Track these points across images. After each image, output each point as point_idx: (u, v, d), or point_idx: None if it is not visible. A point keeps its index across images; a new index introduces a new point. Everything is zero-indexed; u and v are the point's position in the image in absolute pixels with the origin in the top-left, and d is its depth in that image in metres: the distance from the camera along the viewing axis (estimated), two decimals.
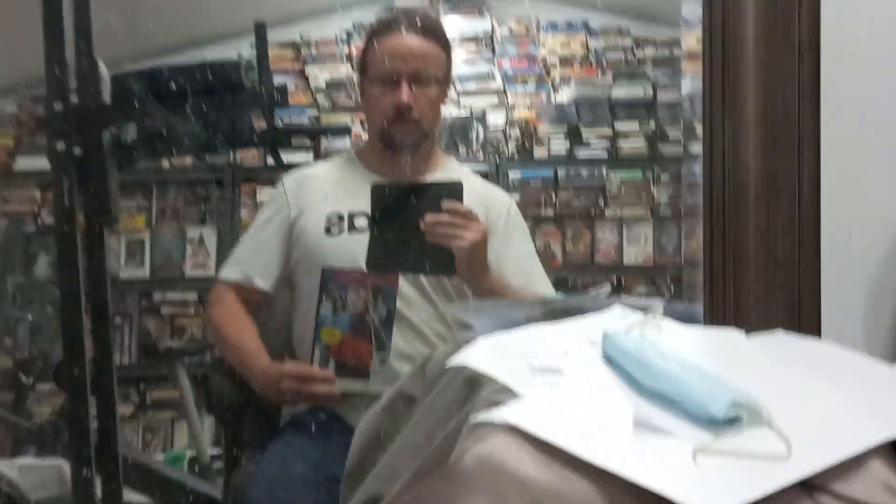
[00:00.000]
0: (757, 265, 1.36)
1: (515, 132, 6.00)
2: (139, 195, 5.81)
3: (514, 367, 1.12)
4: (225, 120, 2.94)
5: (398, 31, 2.52)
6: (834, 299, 1.46)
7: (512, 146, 5.98)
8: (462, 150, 5.93)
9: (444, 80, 2.60)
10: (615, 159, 5.88)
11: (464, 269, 2.28)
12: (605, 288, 2.22)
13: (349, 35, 6.17)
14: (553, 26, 6.20)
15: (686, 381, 1.05)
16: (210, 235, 5.75)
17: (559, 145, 5.95)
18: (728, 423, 1.02)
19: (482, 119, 5.99)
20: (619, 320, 1.25)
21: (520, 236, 2.69)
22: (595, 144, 5.91)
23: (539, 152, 5.96)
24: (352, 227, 2.52)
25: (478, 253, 2.27)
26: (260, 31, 4.05)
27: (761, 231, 1.35)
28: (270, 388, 2.40)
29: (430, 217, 2.21)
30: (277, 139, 2.99)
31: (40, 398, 5.00)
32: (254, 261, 2.62)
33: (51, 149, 2.70)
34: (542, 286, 2.65)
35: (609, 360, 1.15)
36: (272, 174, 4.99)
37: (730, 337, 1.24)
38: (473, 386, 1.15)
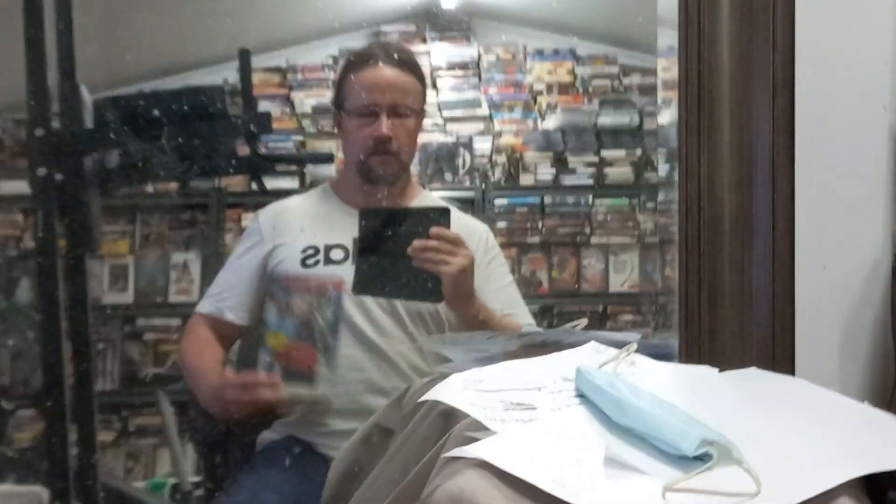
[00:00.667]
0: (732, 299, 1.36)
1: (502, 159, 6.00)
2: (123, 220, 5.79)
3: (488, 403, 1.12)
4: (208, 146, 2.94)
5: (375, 63, 2.53)
6: (808, 333, 1.46)
7: (498, 173, 5.99)
8: (448, 176, 5.93)
9: (421, 111, 2.61)
10: (601, 187, 5.90)
11: (450, 295, 2.27)
12: (582, 322, 2.22)
13: (335, 60, 6.17)
14: (540, 54, 6.22)
15: (657, 418, 1.05)
16: (194, 261, 5.74)
17: (545, 172, 5.96)
18: (698, 460, 1.02)
19: (468, 145, 5.99)
20: (593, 356, 1.25)
21: (498, 265, 2.69)
22: (581, 171, 5.93)
23: (525, 179, 5.96)
24: (328, 261, 2.51)
25: (465, 279, 2.26)
26: (244, 58, 4.06)
27: (736, 265, 1.36)
28: (215, 400, 2.39)
29: (417, 243, 2.20)
30: (261, 166, 2.99)
31: (21, 424, 4.99)
32: (228, 295, 2.60)
33: (32, 175, 2.70)
34: (522, 315, 2.65)
35: (582, 396, 1.14)
36: (257, 199, 5.00)
37: (703, 374, 1.24)
38: (448, 421, 1.15)
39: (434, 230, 2.21)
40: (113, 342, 5.68)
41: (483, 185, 5.90)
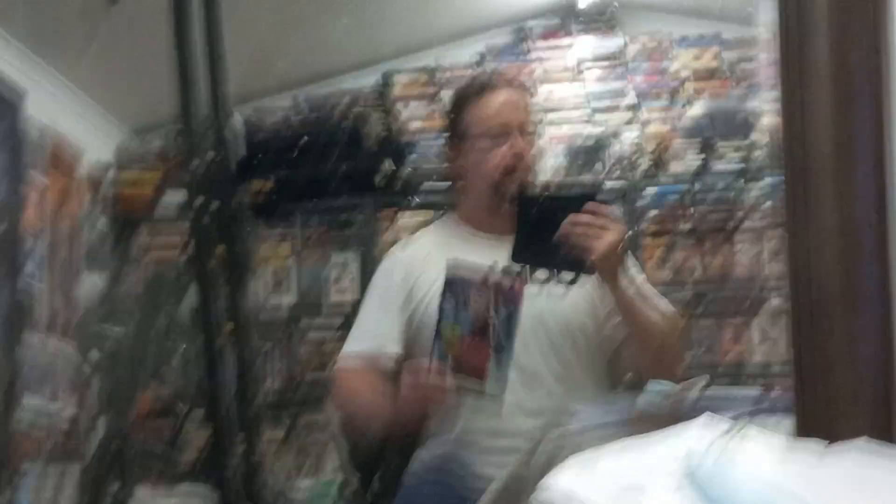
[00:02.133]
0: (843, 368, 1.41)
1: (650, 147, 6.00)
2: (283, 223, 5.97)
3: (602, 486, 1.20)
4: (354, 169, 3.06)
5: (495, 88, 2.64)
6: None
7: (647, 162, 5.99)
8: (599, 166, 5.96)
9: (536, 130, 2.76)
10: (751, 171, 5.85)
11: (603, 267, 2.37)
12: (702, 381, 2.29)
13: (482, 57, 6.25)
14: (685, 40, 6.20)
15: (763, 501, 1.12)
16: (354, 260, 5.89)
17: (694, 159, 5.94)
18: None
19: (616, 136, 6.01)
20: (705, 431, 1.32)
21: (632, 263, 2.75)
22: (731, 156, 5.89)
23: (674, 167, 5.95)
24: None
25: (616, 251, 2.37)
26: (387, 81, 4.18)
27: (847, 335, 1.41)
28: (404, 402, 2.42)
29: (572, 217, 2.30)
30: (406, 185, 3.11)
31: (197, 425, 5.22)
32: (380, 329, 2.67)
33: (189, 204, 2.85)
34: (664, 303, 2.72)
35: (691, 479, 1.21)
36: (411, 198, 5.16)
37: (811, 449, 1.30)
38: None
39: (588, 205, 2.31)
40: (279, 342, 5.86)
41: (632, 175, 5.92)
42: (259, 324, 5.72)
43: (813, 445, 1.30)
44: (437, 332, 2.35)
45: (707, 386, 1.77)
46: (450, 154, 2.74)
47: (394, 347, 2.64)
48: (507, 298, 2.32)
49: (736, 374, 5.57)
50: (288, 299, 5.90)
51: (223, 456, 2.80)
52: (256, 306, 5.65)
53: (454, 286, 2.34)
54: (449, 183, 2.90)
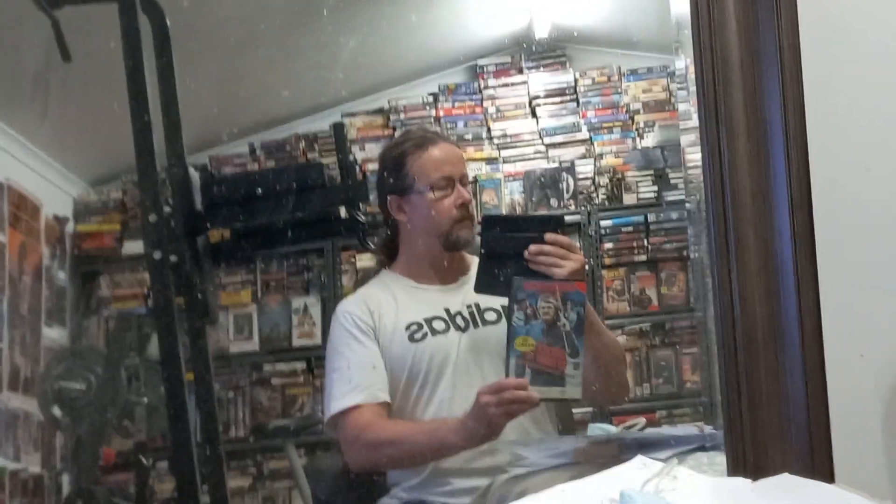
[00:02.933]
0: (769, 404, 1.47)
1: (604, 180, 6.08)
2: (243, 270, 6.01)
3: None
4: (312, 215, 3.10)
5: (435, 143, 2.71)
6: (845, 433, 1.57)
7: (602, 194, 6.07)
8: (553, 201, 6.03)
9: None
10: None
11: None
12: (641, 422, 2.35)
13: (435, 98, 6.33)
14: (634, 73, 6.30)
15: None
16: (314, 304, 5.93)
17: (648, 190, 6.03)
18: None
19: (571, 170, 6.09)
20: (640, 471, 1.37)
21: None
22: (683, 187, 5.97)
23: (628, 198, 6.03)
24: (433, 331, 2.66)
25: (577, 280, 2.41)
26: (338, 132, 4.24)
27: (772, 371, 1.47)
28: (479, 424, 2.37)
29: (533, 247, 2.36)
30: (363, 229, 3.15)
31: (161, 476, 5.23)
32: (367, 380, 2.65)
33: (148, 258, 2.88)
34: (612, 334, 2.78)
35: None
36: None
37: (738, 487, 1.35)
38: None
39: (549, 236, 2.37)
40: (242, 389, 5.88)
41: (588, 208, 5.99)
42: (222, 371, 5.75)
43: (739, 482, 1.36)
44: (511, 348, 2.34)
45: (644, 427, 1.83)
46: (390, 208, 2.77)
47: (385, 396, 2.64)
48: (574, 301, 2.35)
49: (695, 406, 5.62)
50: (250, 346, 5.92)
51: None
52: (219, 354, 5.69)
53: (521, 299, 2.35)
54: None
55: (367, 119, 6.30)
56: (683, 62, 1.97)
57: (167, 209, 2.89)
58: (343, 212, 3.11)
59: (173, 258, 2.85)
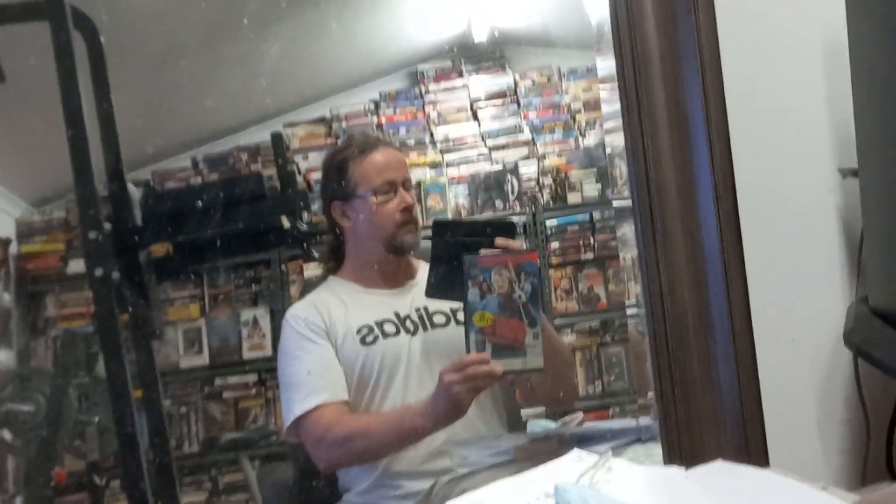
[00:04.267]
0: (703, 392, 1.49)
1: (548, 180, 6.11)
2: (191, 284, 5.98)
3: None
4: (254, 226, 3.10)
5: (376, 148, 2.72)
6: (778, 418, 1.60)
7: (546, 194, 6.10)
8: (499, 203, 6.06)
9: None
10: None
11: None
12: (578, 416, 2.38)
13: (377, 104, 6.34)
14: (574, 73, 6.34)
15: None
16: (263, 316, 5.92)
17: (592, 188, 6.07)
18: None
19: (515, 171, 6.12)
20: (575, 465, 1.38)
21: None
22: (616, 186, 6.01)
23: (573, 198, 6.07)
24: (384, 334, 2.67)
25: None
26: (277, 143, 4.24)
27: (703, 360, 1.49)
28: (445, 404, 2.38)
29: (484, 252, 2.36)
30: (306, 238, 3.14)
31: (116, 495, 5.19)
32: (326, 381, 2.65)
33: (90, 276, 2.86)
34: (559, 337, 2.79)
35: None
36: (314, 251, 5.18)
37: (671, 475, 1.37)
38: None
39: (499, 240, 2.37)
40: (194, 404, 5.86)
41: (533, 208, 6.02)
42: (173, 386, 5.73)
43: (673, 471, 1.37)
44: (470, 324, 2.33)
45: (583, 422, 1.85)
46: (334, 214, 2.79)
47: (345, 394, 2.64)
48: (528, 272, 2.34)
49: (645, 402, 5.65)
50: (201, 360, 5.90)
51: None
52: (168, 369, 5.66)
53: (475, 275, 2.35)
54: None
55: (309, 128, 6.30)
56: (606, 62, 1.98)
57: (107, 226, 2.87)
58: (286, 222, 3.10)
59: (115, 275, 2.83)
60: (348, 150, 2.78)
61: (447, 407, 2.36)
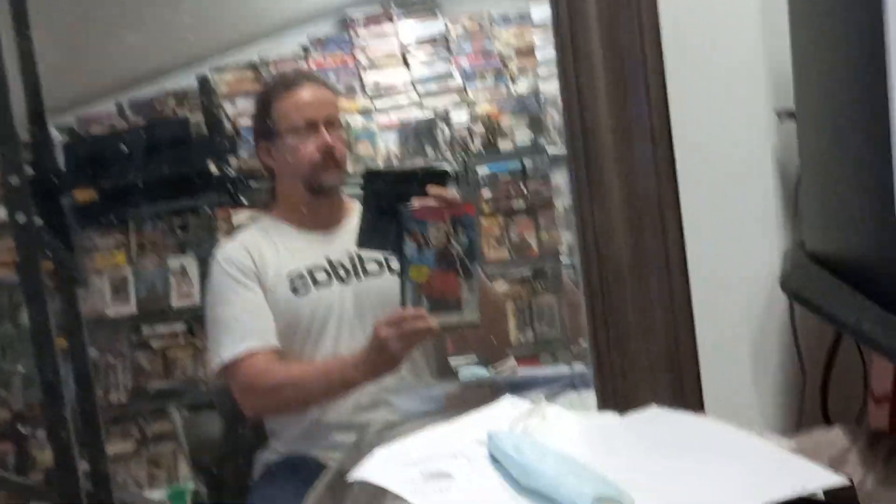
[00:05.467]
0: (637, 338, 1.47)
1: (479, 128, 6.07)
2: (116, 232, 5.88)
3: (408, 476, 1.23)
4: (181, 172, 3.04)
5: (300, 85, 2.66)
6: (713, 364, 1.59)
7: (478, 142, 6.06)
8: (429, 150, 6.01)
9: (343, 123, 2.77)
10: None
11: None
12: (511, 363, 2.38)
13: (306, 51, 6.25)
14: (505, 19, 6.29)
15: (557, 479, 1.16)
16: (191, 264, 5.83)
17: (524, 136, 6.03)
18: None
19: (446, 118, 6.07)
20: (509, 412, 1.36)
21: None
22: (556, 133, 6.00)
23: (504, 145, 6.03)
24: (316, 283, 2.63)
25: None
26: (204, 87, 4.15)
27: (638, 305, 1.47)
28: (379, 357, 2.35)
29: (417, 201, 2.32)
30: (233, 183, 3.09)
31: (42, 445, 5.12)
32: (256, 325, 2.61)
33: (12, 221, 2.80)
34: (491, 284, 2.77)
35: (493, 459, 1.26)
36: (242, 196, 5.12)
37: (606, 421, 1.35)
38: (377, 497, 1.26)
39: (432, 189, 2.33)
40: (122, 353, 5.78)
41: (464, 156, 5.98)
42: (100, 335, 5.65)
43: (607, 417, 1.36)
44: (406, 278, 2.30)
45: (515, 369, 1.82)
46: (262, 153, 2.74)
47: (275, 341, 2.60)
48: (465, 224, 2.30)
49: (578, 350, 5.68)
50: (128, 309, 5.81)
51: (69, 474, 2.77)
52: (95, 318, 5.58)
53: (411, 229, 2.31)
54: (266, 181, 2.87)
55: (238, 73, 6.18)
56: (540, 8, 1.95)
57: (29, 171, 2.81)
58: (213, 167, 3.05)
59: (38, 221, 2.77)
60: (273, 85, 2.73)
61: (381, 360, 2.34)
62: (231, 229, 5.75)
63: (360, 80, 6.19)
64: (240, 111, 5.95)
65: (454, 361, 2.74)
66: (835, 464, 1.34)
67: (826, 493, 1.18)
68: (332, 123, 2.66)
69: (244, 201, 3.14)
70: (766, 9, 1.70)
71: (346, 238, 2.65)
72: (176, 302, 5.81)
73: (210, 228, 5.82)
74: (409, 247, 2.30)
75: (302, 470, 2.49)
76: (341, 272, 2.65)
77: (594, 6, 1.49)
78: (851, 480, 1.25)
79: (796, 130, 1.69)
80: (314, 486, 1.74)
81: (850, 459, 1.36)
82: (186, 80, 6.07)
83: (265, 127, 2.69)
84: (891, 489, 1.26)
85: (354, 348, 2.41)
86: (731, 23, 1.69)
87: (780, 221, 1.72)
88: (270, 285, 2.61)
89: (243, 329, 2.58)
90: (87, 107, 5.95)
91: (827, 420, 1.77)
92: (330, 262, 2.66)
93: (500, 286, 5.83)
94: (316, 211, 2.69)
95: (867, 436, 1.40)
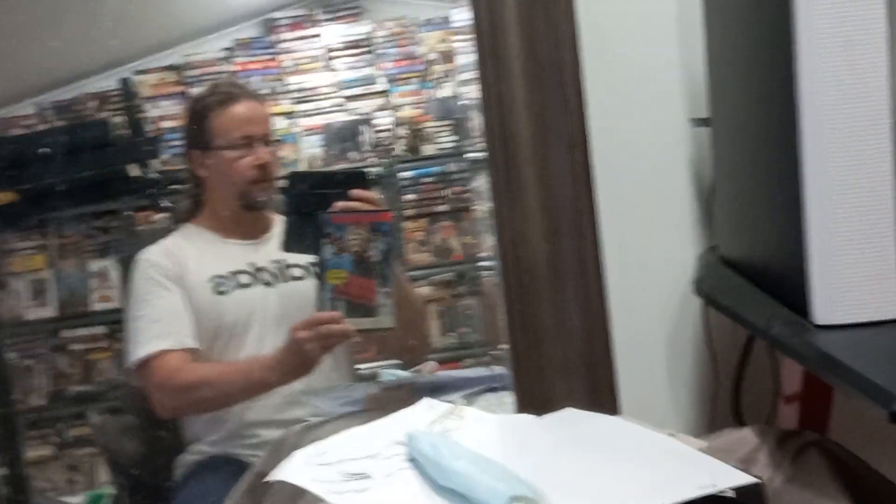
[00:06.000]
0: (553, 340, 1.50)
1: (403, 131, 6.09)
2: (36, 234, 5.81)
3: (327, 477, 1.25)
4: (102, 174, 3.02)
5: (238, 99, 2.67)
6: (629, 366, 1.62)
7: (401, 146, 6.07)
8: (353, 154, 6.02)
9: (276, 139, 2.78)
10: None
11: None
12: (430, 365, 2.42)
13: (230, 52, 6.23)
14: (429, 23, 6.31)
15: (472, 479, 1.18)
16: (112, 267, 5.78)
17: (447, 140, 6.06)
18: None
19: (369, 122, 6.08)
20: (426, 413, 1.38)
21: None
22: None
23: (428, 149, 6.05)
24: (240, 285, 2.64)
25: None
26: (125, 89, 4.13)
27: (555, 308, 1.50)
28: (294, 360, 2.37)
29: (339, 204, 2.33)
30: (155, 186, 3.08)
31: None
32: (172, 327, 2.62)
33: None
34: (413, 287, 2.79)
35: (412, 460, 1.28)
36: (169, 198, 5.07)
37: (522, 422, 1.38)
38: (295, 498, 1.28)
39: (353, 192, 2.35)
40: (41, 356, 5.71)
41: (388, 160, 5.99)
42: (18, 339, 5.58)
43: (524, 418, 1.38)
44: (323, 282, 2.33)
45: (435, 370, 1.85)
46: (192, 162, 2.75)
47: (192, 342, 2.61)
48: (383, 231, 2.33)
49: (499, 353, 5.69)
50: (48, 311, 5.74)
51: None
52: (13, 321, 5.51)
53: (330, 233, 2.32)
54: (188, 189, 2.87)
55: (160, 75, 6.13)
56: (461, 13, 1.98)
57: None
58: (134, 170, 3.04)
59: None
60: (210, 98, 2.74)
61: (296, 363, 2.37)
62: (153, 233, 5.72)
63: (284, 82, 6.18)
64: (162, 113, 5.91)
65: (376, 366, 2.76)
66: (745, 463, 1.37)
67: (736, 491, 1.21)
68: (267, 139, 2.68)
69: (166, 204, 3.12)
70: (683, 19, 1.74)
71: (270, 246, 2.68)
72: (96, 305, 5.76)
73: (131, 232, 5.77)
74: (328, 250, 2.32)
75: (225, 469, 2.50)
76: (266, 276, 2.68)
77: (513, 11, 1.51)
78: (761, 479, 1.28)
79: (710, 138, 1.73)
80: (235, 487, 1.75)
81: (759, 458, 1.39)
82: (108, 83, 6.02)
83: (198, 137, 2.70)
84: (798, 487, 1.30)
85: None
86: (648, 32, 1.73)
87: (695, 226, 1.76)
88: (192, 287, 2.62)
89: (159, 329, 2.60)
90: (5, 109, 5.89)
91: (739, 420, 1.81)
92: (254, 267, 2.68)
93: (423, 290, 5.84)
94: (243, 222, 2.72)
95: (777, 435, 1.44)
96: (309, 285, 2.61)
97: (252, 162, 2.65)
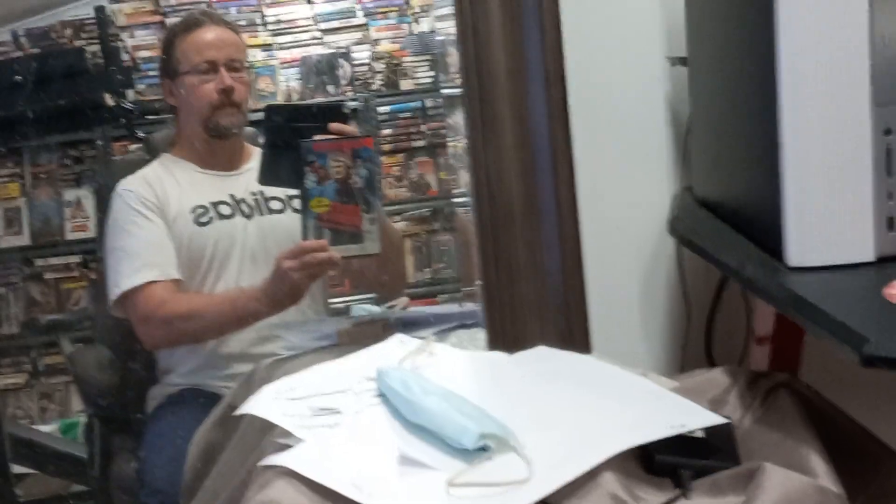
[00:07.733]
0: (527, 278, 1.50)
1: (381, 66, 6.05)
2: (10, 162, 5.77)
3: (297, 411, 1.25)
4: (76, 103, 2.99)
5: (204, 25, 2.65)
6: (602, 305, 1.62)
7: (379, 80, 6.04)
8: (331, 88, 5.98)
9: (248, 67, 2.81)
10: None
11: None
12: (403, 301, 2.42)
13: None
14: None
15: (442, 415, 1.19)
16: (87, 196, 5.75)
17: (425, 76, 6.02)
18: (480, 451, 1.16)
19: (347, 55, 6.04)
20: (397, 349, 1.38)
21: None
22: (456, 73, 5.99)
23: (405, 84, 6.02)
24: (220, 216, 2.64)
25: None
26: (100, 17, 4.08)
27: (529, 246, 1.49)
28: (281, 289, 2.35)
29: (317, 137, 2.31)
30: (130, 116, 3.06)
31: None
32: (156, 258, 2.60)
33: None
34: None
35: (382, 396, 1.28)
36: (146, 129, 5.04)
37: (494, 359, 1.38)
38: (265, 431, 1.27)
39: (332, 125, 2.33)
40: (14, 285, 5.70)
41: (365, 94, 5.96)
42: None
43: (495, 355, 1.38)
44: (307, 210, 2.30)
45: (407, 306, 1.85)
46: (164, 91, 2.75)
47: (176, 273, 2.60)
48: (364, 157, 2.30)
49: (472, 290, 5.70)
50: (21, 240, 5.72)
51: None
52: None
53: (311, 161, 2.30)
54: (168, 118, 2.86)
55: (136, 5, 6.06)
56: None
57: None
58: (109, 99, 3.02)
59: None
60: (178, 25, 2.72)
61: (284, 292, 2.35)
62: (129, 163, 5.68)
63: (262, 14, 6.12)
64: (138, 42, 5.85)
65: (349, 300, 2.76)
66: (715, 403, 1.38)
67: (706, 431, 1.22)
68: (234, 65, 2.66)
69: (141, 134, 3.10)
70: None
71: (248, 178, 2.66)
72: (70, 234, 5.74)
73: (106, 162, 5.73)
74: (310, 179, 2.30)
75: (198, 402, 2.50)
76: (244, 208, 2.67)
77: None
78: (730, 419, 1.29)
79: (688, 77, 1.72)
80: (205, 419, 1.75)
81: (729, 399, 1.40)
82: (84, 11, 5.95)
83: (168, 65, 2.69)
84: (767, 428, 1.30)
85: (256, 282, 2.41)
86: None
87: (670, 166, 1.76)
88: (173, 217, 2.62)
89: (142, 260, 2.58)
90: None
91: (711, 361, 1.82)
92: (233, 198, 2.67)
93: (399, 225, 5.83)
94: (216, 152, 2.71)
95: (747, 376, 1.44)
96: (288, 218, 2.61)
97: (215, 86, 2.63)
